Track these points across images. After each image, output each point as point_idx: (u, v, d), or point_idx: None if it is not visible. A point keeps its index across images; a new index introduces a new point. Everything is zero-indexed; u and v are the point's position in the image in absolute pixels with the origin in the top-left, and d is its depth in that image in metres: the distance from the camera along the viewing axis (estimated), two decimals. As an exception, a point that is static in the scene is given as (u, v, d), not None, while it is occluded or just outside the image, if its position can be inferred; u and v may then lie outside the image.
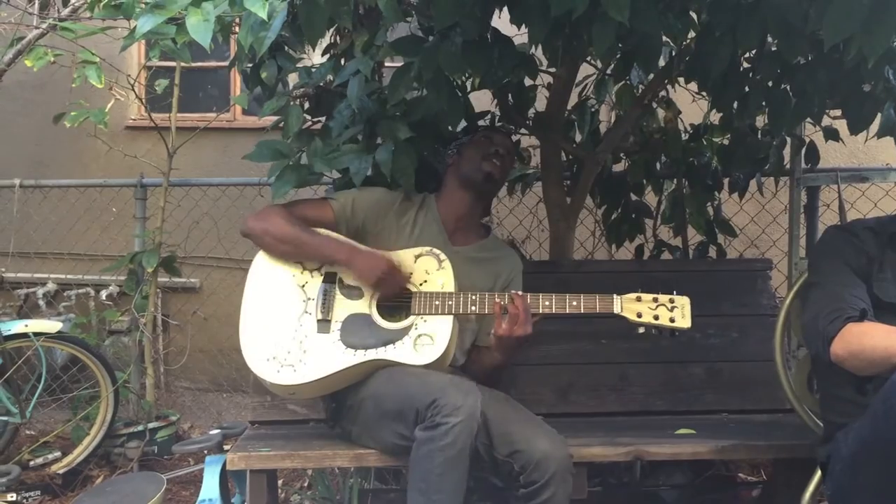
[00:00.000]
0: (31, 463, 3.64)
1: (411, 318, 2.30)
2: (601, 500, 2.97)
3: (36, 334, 3.55)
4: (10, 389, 3.60)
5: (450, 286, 2.33)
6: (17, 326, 3.56)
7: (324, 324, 2.32)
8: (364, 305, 2.33)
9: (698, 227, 3.54)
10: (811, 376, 2.47)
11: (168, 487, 3.33)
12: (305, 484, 3.45)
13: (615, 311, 2.26)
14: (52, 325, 3.65)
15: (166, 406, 4.52)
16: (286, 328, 2.32)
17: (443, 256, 2.38)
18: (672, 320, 2.23)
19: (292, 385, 2.28)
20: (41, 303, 4.86)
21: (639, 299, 2.26)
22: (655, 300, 2.25)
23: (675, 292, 2.28)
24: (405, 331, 2.29)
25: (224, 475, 2.58)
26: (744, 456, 2.82)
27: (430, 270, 2.36)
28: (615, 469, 3.07)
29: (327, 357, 2.28)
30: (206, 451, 2.68)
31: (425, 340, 2.27)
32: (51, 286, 4.90)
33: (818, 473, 2.23)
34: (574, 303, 2.28)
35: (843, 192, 3.50)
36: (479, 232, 2.63)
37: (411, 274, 2.36)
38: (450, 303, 2.30)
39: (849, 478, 1.97)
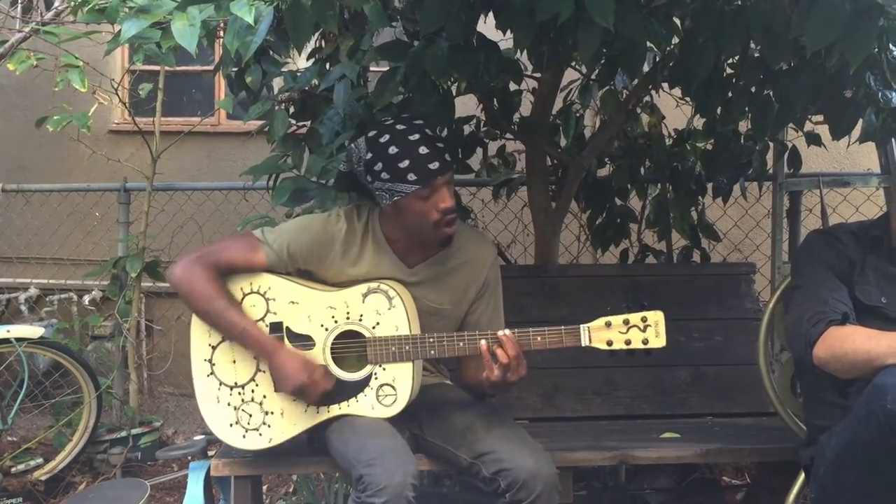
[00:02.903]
0: (13, 469, 3.61)
1: (369, 367, 2.19)
2: (586, 504, 2.98)
3: (18, 340, 3.52)
4: (-8, 395, 3.58)
5: (404, 328, 2.17)
6: (-1, 332, 3.53)
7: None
8: (318, 355, 2.21)
9: (682, 232, 3.56)
10: (794, 380, 2.49)
11: (152, 493, 3.31)
12: (290, 490, 3.43)
13: (583, 344, 2.10)
14: (34, 331, 3.63)
15: (150, 412, 4.49)
16: (242, 391, 2.25)
17: (392, 293, 2.18)
18: (645, 342, 2.09)
19: (261, 449, 2.25)
20: (23, 308, 4.82)
21: (608, 325, 2.09)
22: (626, 322, 2.09)
23: (646, 305, 2.12)
24: (365, 381, 2.19)
25: (208, 481, 2.56)
26: (728, 459, 2.85)
27: (381, 311, 2.18)
28: (600, 473, 3.08)
29: (290, 418, 2.23)
30: (189, 457, 2.66)
31: (387, 391, 2.17)
32: (33, 291, 4.86)
33: (802, 476, 2.24)
34: (538, 338, 2.12)
35: (825, 196, 3.52)
36: None
37: (331, 384, 2.17)
38: (406, 348, 2.16)
39: (832, 480, 1.99)
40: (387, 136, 2.17)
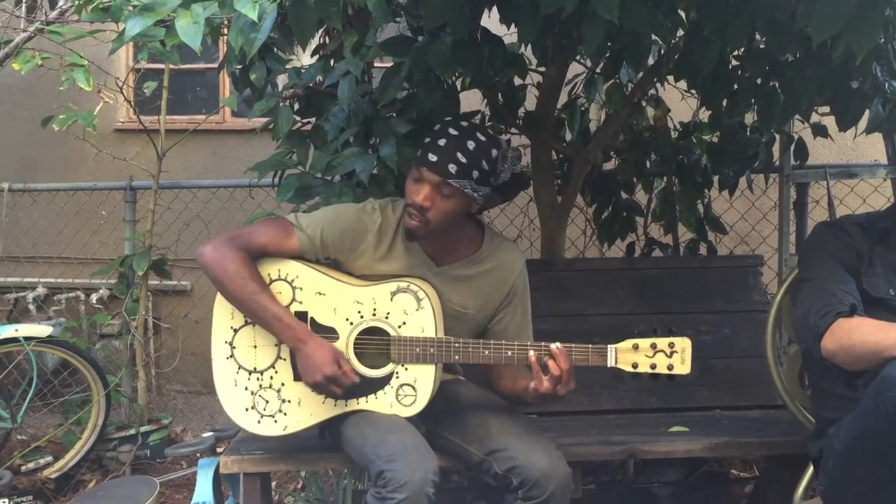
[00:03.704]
0: (23, 468, 3.62)
1: (391, 365, 2.18)
2: (595, 498, 2.98)
3: (26, 339, 3.53)
4: (1, 395, 3.60)
5: (430, 330, 2.16)
6: (8, 331, 3.54)
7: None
8: (341, 349, 2.19)
9: (689, 225, 3.55)
10: (802, 372, 2.49)
11: (161, 491, 3.32)
12: (299, 486, 3.44)
13: (609, 365, 2.10)
14: (42, 330, 3.64)
15: (158, 409, 4.50)
16: (261, 376, 2.24)
17: (422, 294, 2.17)
18: (670, 367, 2.08)
19: (275, 436, 2.25)
20: (31, 307, 4.83)
21: (635, 347, 2.09)
22: (653, 346, 2.08)
23: (674, 331, 2.11)
24: (386, 380, 2.18)
25: (217, 478, 2.57)
26: (736, 453, 2.84)
27: (409, 311, 2.17)
28: (609, 467, 3.08)
29: (307, 407, 2.22)
30: (198, 454, 2.67)
31: (407, 391, 2.17)
32: (41, 290, 4.88)
33: (810, 469, 2.24)
34: None
35: (832, 188, 3.52)
36: (471, 238, 2.31)
37: (356, 379, 2.15)
38: (431, 351, 2.14)
39: (841, 472, 1.98)
40: (449, 117, 2.26)
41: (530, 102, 3.27)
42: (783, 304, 2.46)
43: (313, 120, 2.99)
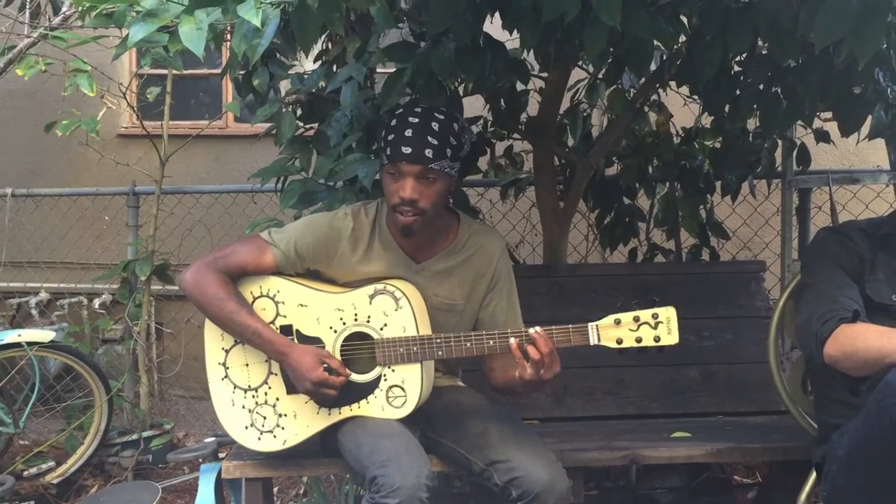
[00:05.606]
0: (25, 473, 3.62)
1: (378, 368, 2.18)
2: (597, 504, 2.98)
3: (29, 344, 3.53)
4: (4, 399, 3.59)
5: (411, 329, 2.15)
6: (10, 336, 3.54)
7: (292, 383, 2.23)
8: None
9: (691, 230, 3.55)
10: (805, 378, 2.49)
11: (163, 496, 3.32)
12: (301, 491, 3.44)
13: (592, 343, 2.04)
14: (44, 335, 3.64)
15: (160, 414, 4.49)
16: (256, 393, 2.27)
17: (399, 294, 2.17)
18: (657, 339, 2.02)
19: (276, 451, 2.26)
20: (34, 312, 4.83)
21: (618, 322, 2.02)
22: (637, 320, 2.02)
23: (657, 302, 2.05)
24: (375, 383, 2.18)
25: (219, 483, 2.57)
26: (739, 459, 2.83)
27: (388, 312, 2.17)
28: (611, 472, 3.08)
29: (303, 419, 2.24)
30: (200, 460, 2.67)
31: (397, 392, 2.17)
32: (43, 295, 4.88)
33: (813, 474, 2.24)
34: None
35: (834, 193, 3.51)
36: (447, 229, 2.31)
37: (348, 373, 2.17)
38: (414, 349, 2.14)
39: (844, 478, 1.98)
40: (399, 110, 2.23)
41: (532, 108, 3.27)
42: (786, 310, 2.46)
43: (316, 125, 3.00)
